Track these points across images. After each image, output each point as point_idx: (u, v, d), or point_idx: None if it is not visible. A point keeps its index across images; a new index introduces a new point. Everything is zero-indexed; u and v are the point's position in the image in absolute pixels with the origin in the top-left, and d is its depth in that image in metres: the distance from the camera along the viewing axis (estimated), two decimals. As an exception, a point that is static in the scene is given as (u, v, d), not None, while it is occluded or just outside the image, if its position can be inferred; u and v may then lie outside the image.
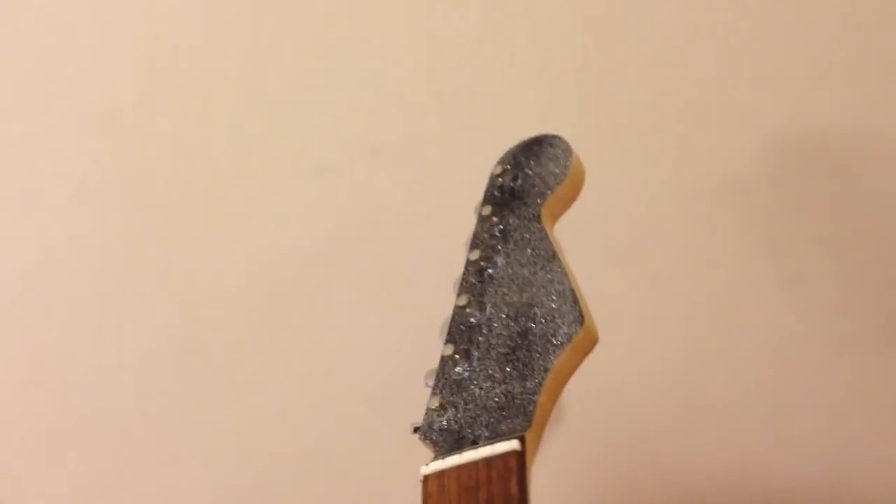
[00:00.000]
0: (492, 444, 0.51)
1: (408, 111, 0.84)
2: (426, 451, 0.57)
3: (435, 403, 0.55)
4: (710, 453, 0.84)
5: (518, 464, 0.50)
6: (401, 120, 0.84)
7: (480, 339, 0.57)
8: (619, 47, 0.92)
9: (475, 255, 0.60)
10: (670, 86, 0.90)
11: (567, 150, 0.61)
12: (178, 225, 0.83)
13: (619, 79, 0.91)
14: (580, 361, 0.55)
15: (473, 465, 0.51)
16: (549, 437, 0.78)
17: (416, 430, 0.59)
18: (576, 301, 0.55)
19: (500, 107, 0.85)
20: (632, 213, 0.85)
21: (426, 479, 0.52)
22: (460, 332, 0.59)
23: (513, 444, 0.50)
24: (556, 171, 0.61)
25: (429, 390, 0.59)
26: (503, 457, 0.50)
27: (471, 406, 0.55)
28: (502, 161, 0.64)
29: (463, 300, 0.58)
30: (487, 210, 0.62)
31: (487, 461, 0.51)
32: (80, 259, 0.82)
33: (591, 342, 0.54)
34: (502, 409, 0.53)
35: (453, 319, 0.59)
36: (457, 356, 0.57)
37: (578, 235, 0.81)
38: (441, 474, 0.52)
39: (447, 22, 0.87)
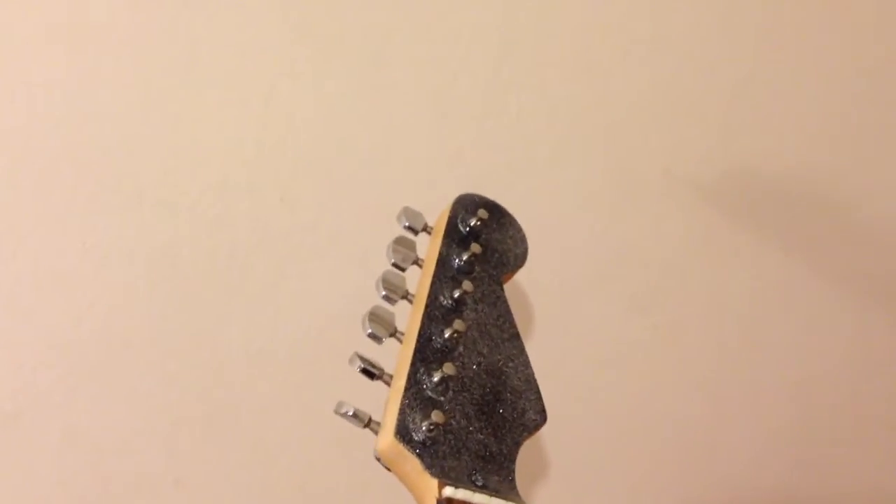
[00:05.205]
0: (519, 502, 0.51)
1: (417, 183, 0.91)
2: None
3: (438, 418, 0.52)
4: (734, 487, 0.95)
5: (534, 534, 0.51)
6: (413, 190, 0.91)
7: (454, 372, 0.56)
8: (631, 82, 0.97)
9: (469, 285, 0.59)
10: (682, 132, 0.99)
11: (524, 240, 0.65)
12: (203, 294, 0.87)
13: (626, 119, 0.97)
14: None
15: (499, 513, 0.50)
16: (578, 476, 0.77)
17: (353, 415, 0.53)
18: (539, 394, 0.58)
19: (501, 177, 0.95)
20: (650, 256, 0.97)
21: (449, 501, 0.49)
22: (434, 352, 0.56)
23: (535, 514, 0.51)
24: (518, 252, 0.64)
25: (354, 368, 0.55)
26: (526, 521, 0.51)
27: (451, 437, 0.53)
28: (484, 207, 0.63)
29: (461, 325, 0.56)
30: (477, 248, 0.61)
31: (513, 517, 0.51)
32: (108, 330, 0.85)
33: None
34: (485, 459, 0.53)
35: (429, 337, 0.56)
36: (444, 374, 0.54)
37: (603, 280, 0.93)
38: (464, 505, 0.50)
39: (446, 99, 0.92)
